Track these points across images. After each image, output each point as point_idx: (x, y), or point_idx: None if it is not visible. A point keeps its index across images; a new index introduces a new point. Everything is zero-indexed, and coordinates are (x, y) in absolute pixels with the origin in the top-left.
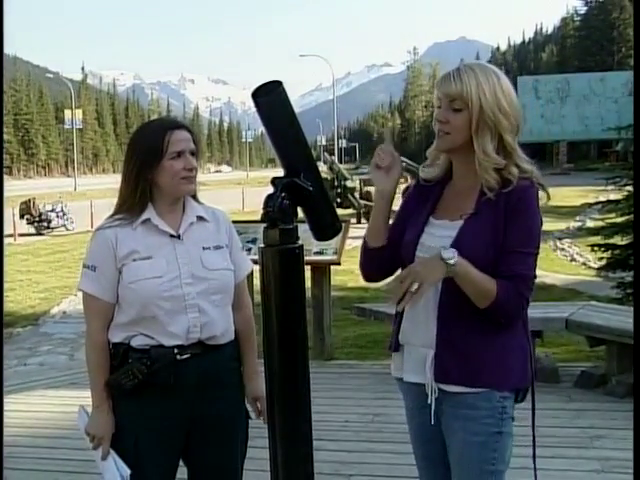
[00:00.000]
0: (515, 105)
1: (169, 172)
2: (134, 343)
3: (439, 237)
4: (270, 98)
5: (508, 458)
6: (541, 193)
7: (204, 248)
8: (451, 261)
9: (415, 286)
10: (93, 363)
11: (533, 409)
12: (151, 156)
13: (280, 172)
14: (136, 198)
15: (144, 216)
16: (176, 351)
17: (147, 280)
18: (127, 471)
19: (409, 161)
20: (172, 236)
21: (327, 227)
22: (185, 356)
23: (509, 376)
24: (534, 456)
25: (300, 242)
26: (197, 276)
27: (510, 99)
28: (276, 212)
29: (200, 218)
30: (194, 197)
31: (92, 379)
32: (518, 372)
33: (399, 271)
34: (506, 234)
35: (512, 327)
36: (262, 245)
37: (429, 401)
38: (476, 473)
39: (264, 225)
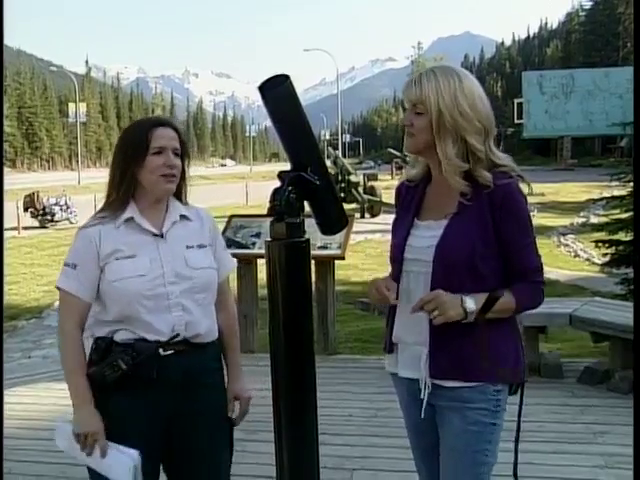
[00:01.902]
0: (479, 107)
1: (149, 168)
2: (118, 337)
3: (425, 238)
4: (277, 91)
5: (497, 451)
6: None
7: (188, 247)
8: (470, 312)
9: (436, 313)
10: (71, 362)
11: (521, 400)
12: (134, 152)
13: (284, 166)
14: (119, 193)
15: (127, 214)
16: (159, 346)
17: (130, 279)
18: (135, 451)
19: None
20: (155, 235)
21: (334, 221)
22: (169, 352)
23: (503, 370)
24: (516, 450)
25: (307, 236)
26: (181, 275)
27: (473, 101)
28: (283, 206)
29: (183, 217)
30: (179, 198)
31: (71, 379)
32: (511, 365)
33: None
34: (503, 233)
35: (503, 321)
36: (269, 239)
37: (422, 396)
38: (469, 463)
39: (271, 219)
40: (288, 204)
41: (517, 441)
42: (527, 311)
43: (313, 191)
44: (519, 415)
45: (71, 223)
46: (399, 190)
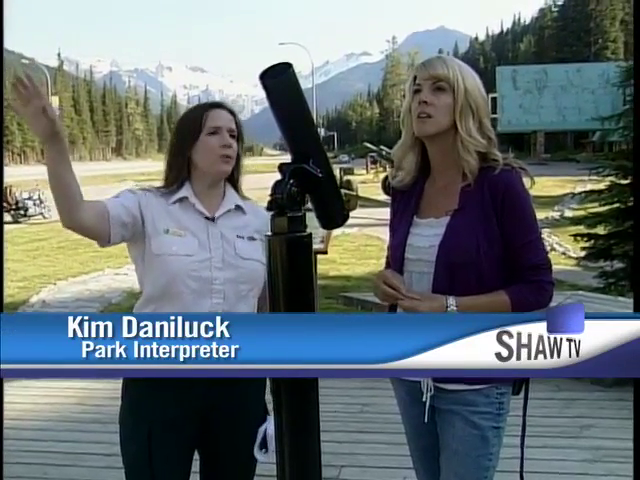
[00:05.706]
0: (485, 94)
1: (205, 148)
2: None
3: (427, 236)
4: (279, 80)
5: (499, 453)
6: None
7: (238, 236)
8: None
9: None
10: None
11: (525, 399)
12: (190, 133)
13: (262, 160)
14: (175, 175)
15: (181, 194)
16: None
17: (178, 256)
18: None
19: (388, 149)
20: (207, 218)
21: (336, 214)
22: None
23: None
24: (522, 445)
25: (309, 230)
26: (228, 262)
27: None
28: (285, 199)
29: (238, 207)
30: (235, 186)
31: None
32: None
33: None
34: (505, 229)
35: None
36: (269, 233)
37: (424, 399)
38: (472, 467)
39: (271, 213)
40: (290, 197)
41: (523, 440)
42: (531, 311)
43: (315, 183)
44: (524, 415)
45: (44, 218)
46: (394, 187)
